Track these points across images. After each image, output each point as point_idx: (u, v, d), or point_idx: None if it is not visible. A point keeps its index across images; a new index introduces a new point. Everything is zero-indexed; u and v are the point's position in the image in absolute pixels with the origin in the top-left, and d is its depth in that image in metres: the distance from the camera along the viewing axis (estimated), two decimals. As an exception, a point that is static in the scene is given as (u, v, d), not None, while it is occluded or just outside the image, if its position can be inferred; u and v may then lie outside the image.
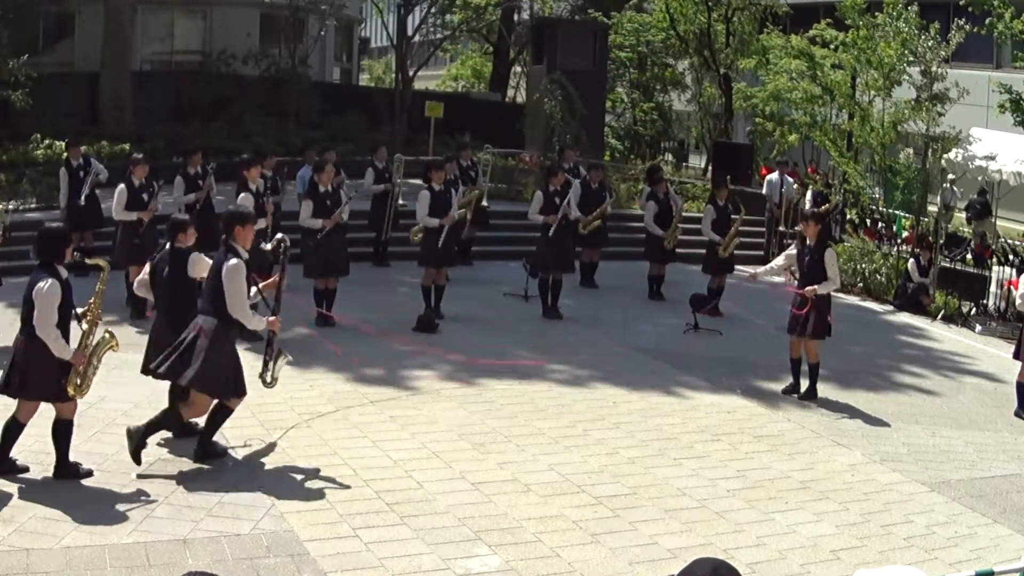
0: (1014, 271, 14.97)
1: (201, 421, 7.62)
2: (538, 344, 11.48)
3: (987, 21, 16.86)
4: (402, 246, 14.74)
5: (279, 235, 8.37)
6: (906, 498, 7.76)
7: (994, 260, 15.66)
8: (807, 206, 16.77)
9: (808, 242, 10.03)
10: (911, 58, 16.57)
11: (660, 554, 6.47)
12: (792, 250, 10.60)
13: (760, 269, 11.52)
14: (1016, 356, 10.21)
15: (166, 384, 7.84)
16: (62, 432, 6.95)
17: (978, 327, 14.41)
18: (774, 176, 18.69)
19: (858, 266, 16.46)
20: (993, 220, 18.14)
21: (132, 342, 9.03)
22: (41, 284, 6.70)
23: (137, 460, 7.18)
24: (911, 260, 15.44)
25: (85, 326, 7.02)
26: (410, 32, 28.51)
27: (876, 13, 17.14)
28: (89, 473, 7.03)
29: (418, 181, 14.77)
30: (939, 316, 14.83)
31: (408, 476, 7.44)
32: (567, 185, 13.45)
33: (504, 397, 9.49)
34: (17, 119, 19.06)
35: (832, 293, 10.30)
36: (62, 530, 6.20)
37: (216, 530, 6.35)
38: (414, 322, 11.68)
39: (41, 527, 6.23)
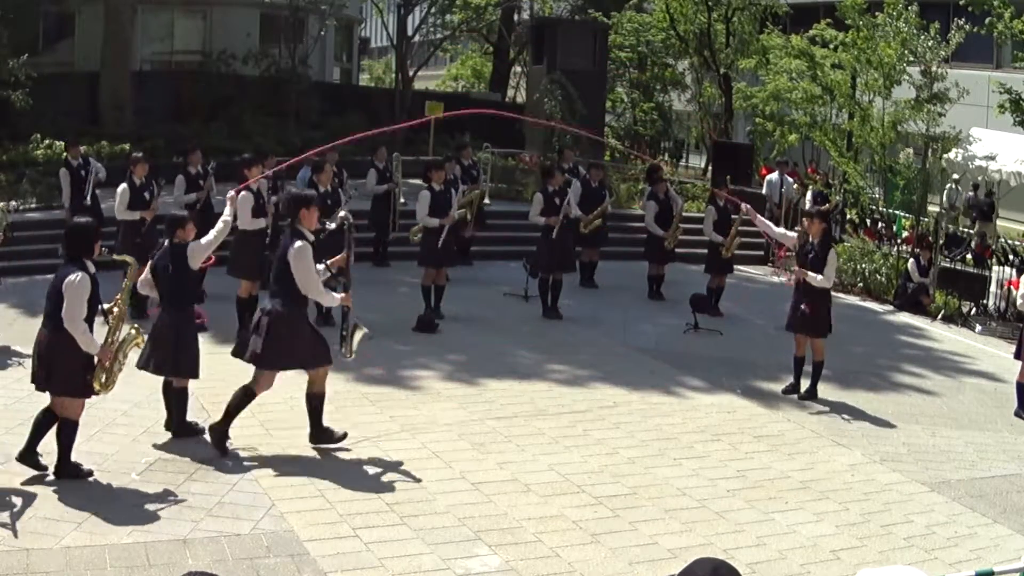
0: (1014, 271, 14.97)
1: (201, 420, 7.60)
2: (538, 344, 11.48)
3: (987, 21, 16.87)
4: (402, 246, 14.74)
5: (343, 213, 8.79)
6: (906, 498, 7.76)
7: (994, 260, 15.65)
8: (807, 206, 16.79)
9: (812, 239, 10.02)
10: (911, 58, 16.58)
11: (660, 554, 6.47)
12: (794, 233, 10.55)
13: (763, 221, 11.02)
14: (1016, 356, 10.21)
15: (162, 384, 7.88)
16: (66, 431, 6.94)
17: (978, 327, 14.41)
18: (774, 176, 18.70)
19: (858, 266, 16.45)
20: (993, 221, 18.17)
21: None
22: (72, 277, 6.70)
23: (224, 450, 7.52)
24: (911, 260, 15.44)
25: (112, 321, 7.02)
26: (410, 32, 28.52)
27: (876, 13, 17.15)
28: (89, 473, 7.03)
29: (418, 181, 14.77)
30: (939, 316, 14.83)
31: (408, 476, 7.44)
32: (566, 185, 13.45)
33: (504, 397, 9.50)
34: (17, 119, 19.05)
35: (832, 293, 10.30)
36: (62, 530, 6.19)
37: (216, 530, 6.35)
38: (414, 322, 11.68)
39: (41, 527, 6.22)
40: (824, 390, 10.20)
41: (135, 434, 7.74)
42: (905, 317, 14.88)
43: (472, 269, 15.26)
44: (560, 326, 12.46)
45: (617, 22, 28.08)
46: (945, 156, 15.98)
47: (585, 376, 10.36)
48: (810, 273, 9.80)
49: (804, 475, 8.08)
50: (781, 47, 23.19)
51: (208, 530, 6.34)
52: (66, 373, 6.79)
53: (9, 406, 8.27)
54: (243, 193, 11.26)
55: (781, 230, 10.86)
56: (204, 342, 8.40)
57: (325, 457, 7.71)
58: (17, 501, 6.53)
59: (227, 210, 8.11)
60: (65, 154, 14.18)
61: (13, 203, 14.79)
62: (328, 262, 8.01)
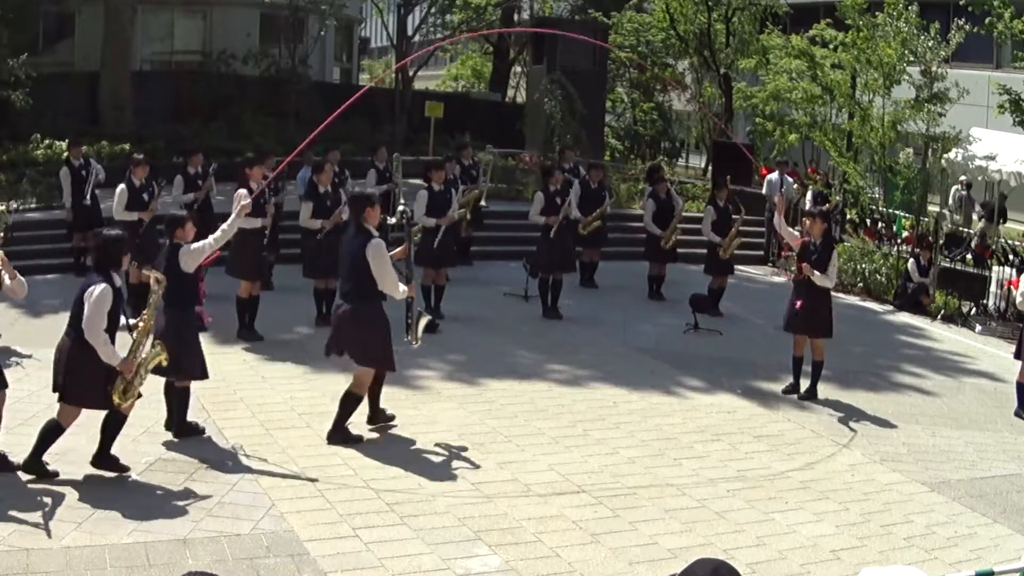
0: (1014, 271, 14.97)
1: (201, 420, 7.59)
2: (538, 344, 11.48)
3: (987, 21, 16.86)
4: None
5: (401, 207, 9.00)
6: (906, 498, 7.76)
7: (994, 260, 15.66)
8: (807, 206, 16.78)
9: (814, 240, 10.02)
10: (911, 58, 16.57)
11: (660, 554, 6.47)
12: (797, 232, 10.51)
13: (780, 222, 10.66)
14: (1016, 356, 10.20)
15: (163, 384, 7.87)
16: (112, 426, 7.01)
17: (978, 327, 14.41)
18: (774, 176, 18.69)
19: (858, 266, 16.45)
20: (993, 221, 18.17)
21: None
22: (93, 288, 6.73)
23: (356, 438, 7.96)
24: (911, 260, 15.44)
25: (136, 336, 7.02)
26: (410, 32, 28.51)
27: (876, 13, 17.14)
28: (126, 468, 7.08)
29: (418, 181, 14.77)
30: (939, 316, 14.83)
31: (408, 476, 7.44)
32: (567, 185, 13.44)
33: (504, 397, 9.50)
34: (17, 119, 19.05)
35: (832, 293, 10.31)
36: (62, 530, 6.19)
37: (216, 530, 6.35)
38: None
39: (41, 527, 6.22)
40: (824, 390, 10.20)
41: (135, 434, 7.74)
42: (905, 317, 14.88)
43: (472, 269, 15.25)
44: (560, 326, 12.46)
45: (617, 22, 28.08)
46: (945, 156, 15.97)
47: (585, 376, 10.36)
48: (816, 272, 9.82)
49: (804, 475, 8.08)
50: (781, 47, 23.19)
51: (208, 530, 6.34)
52: (85, 383, 6.79)
53: (9, 406, 8.23)
54: (241, 191, 11.26)
55: (790, 230, 10.79)
56: (204, 342, 8.40)
57: (324, 457, 7.71)
58: (17, 501, 6.53)
59: (232, 216, 8.04)
60: (67, 154, 14.18)
61: (13, 204, 14.81)
62: (392, 254, 8.24)
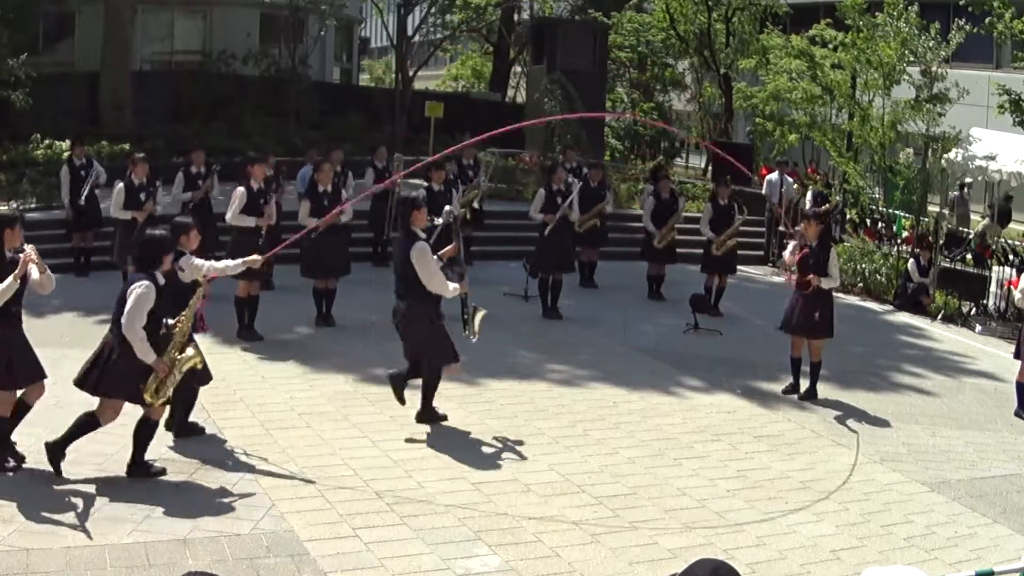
0: (1014, 271, 14.98)
1: (201, 420, 7.58)
2: (538, 344, 11.48)
3: (987, 21, 16.88)
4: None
5: (448, 207, 9.21)
6: (906, 498, 7.76)
7: (994, 260, 15.66)
8: (807, 206, 16.79)
9: (811, 243, 10.02)
10: (911, 58, 16.58)
11: (660, 554, 6.47)
12: (794, 241, 10.49)
13: (786, 259, 10.76)
14: (1016, 356, 10.20)
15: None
16: (144, 432, 7.05)
17: (978, 327, 14.41)
18: (774, 176, 18.70)
19: (858, 266, 16.45)
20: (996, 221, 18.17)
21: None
22: (136, 285, 6.81)
23: (441, 417, 8.36)
24: (911, 260, 15.44)
25: (175, 337, 7.05)
26: (410, 32, 28.52)
27: (876, 13, 17.15)
28: (162, 471, 7.11)
29: (418, 181, 14.77)
30: (939, 316, 14.83)
31: (408, 476, 7.44)
32: (570, 184, 13.43)
33: (504, 397, 9.50)
34: (17, 119, 19.06)
35: (833, 293, 10.30)
36: (62, 530, 6.20)
37: (216, 530, 6.35)
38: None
39: (41, 527, 6.22)
40: (824, 390, 10.20)
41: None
42: (905, 317, 14.88)
43: (472, 269, 15.16)
44: (560, 326, 12.46)
45: (617, 22, 28.09)
46: (945, 156, 15.97)
47: (585, 376, 10.36)
48: (822, 279, 9.83)
49: (804, 475, 8.08)
50: (781, 47, 23.20)
51: (208, 530, 6.34)
52: (122, 376, 6.85)
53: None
54: (239, 188, 11.20)
55: (793, 257, 10.57)
56: (204, 342, 8.40)
57: (324, 457, 7.71)
58: (18, 501, 6.53)
59: (238, 262, 8.23)
60: (69, 153, 14.19)
61: (13, 204, 14.81)
62: (439, 254, 8.38)
